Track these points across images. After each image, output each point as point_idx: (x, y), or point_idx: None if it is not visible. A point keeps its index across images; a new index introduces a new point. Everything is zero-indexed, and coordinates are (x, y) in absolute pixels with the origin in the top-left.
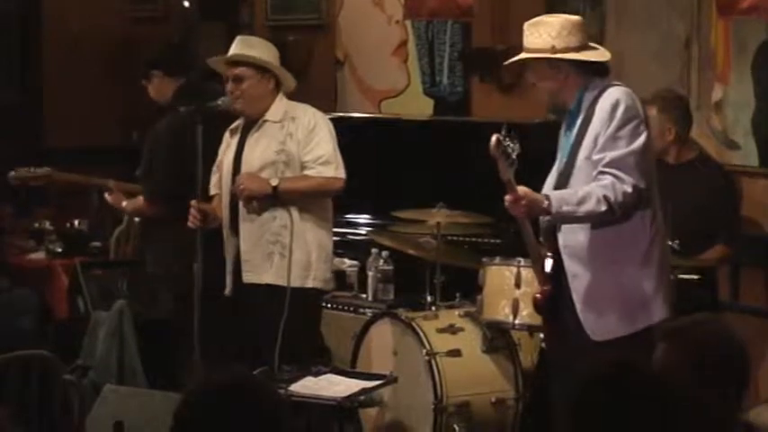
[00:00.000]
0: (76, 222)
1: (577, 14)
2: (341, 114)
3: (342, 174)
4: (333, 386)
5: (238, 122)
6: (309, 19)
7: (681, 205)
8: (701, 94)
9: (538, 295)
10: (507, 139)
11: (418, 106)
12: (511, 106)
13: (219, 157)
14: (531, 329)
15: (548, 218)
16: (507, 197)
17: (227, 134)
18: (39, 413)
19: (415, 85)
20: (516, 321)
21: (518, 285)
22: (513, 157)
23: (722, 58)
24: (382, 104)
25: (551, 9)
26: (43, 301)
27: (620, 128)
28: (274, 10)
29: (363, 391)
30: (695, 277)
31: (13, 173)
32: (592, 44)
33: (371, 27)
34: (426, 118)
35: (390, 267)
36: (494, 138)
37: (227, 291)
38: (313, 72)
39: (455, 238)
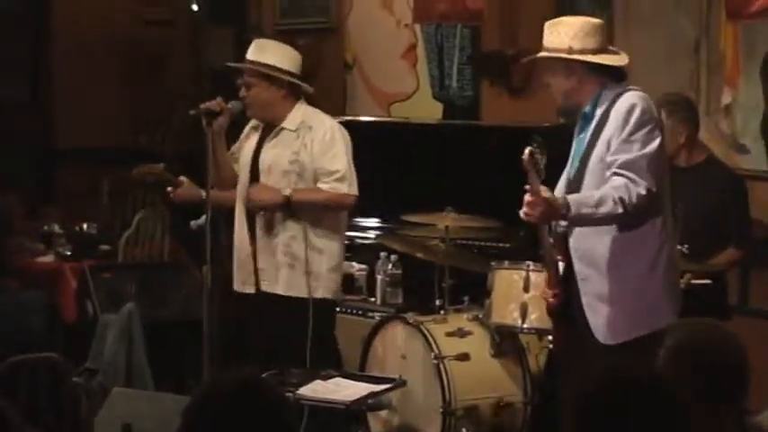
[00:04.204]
0: (85, 225)
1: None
2: (350, 118)
3: (354, 191)
4: (341, 390)
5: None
6: (318, 22)
7: (691, 208)
8: (710, 98)
9: (551, 299)
10: (538, 150)
11: (427, 110)
12: (520, 110)
13: (238, 144)
14: (539, 333)
15: (564, 224)
16: (526, 199)
17: (249, 125)
18: (47, 415)
19: (425, 89)
20: (525, 325)
21: (526, 289)
22: (542, 167)
23: (731, 62)
24: (391, 108)
25: (560, 12)
26: (52, 304)
27: (634, 131)
28: (283, 13)
29: (372, 394)
30: (705, 282)
31: (135, 171)
32: (611, 48)
33: (380, 30)
34: (435, 122)
35: (399, 271)
36: (527, 150)
37: (242, 288)
38: (322, 75)
39: (464, 241)
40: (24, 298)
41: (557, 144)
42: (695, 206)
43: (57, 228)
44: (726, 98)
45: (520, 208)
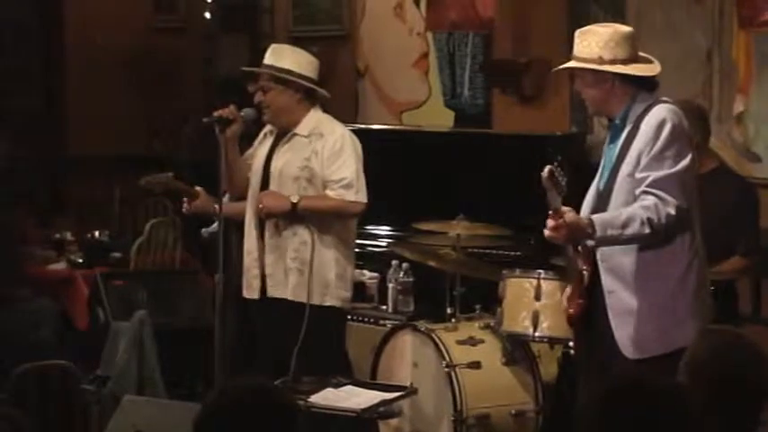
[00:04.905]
0: (97, 233)
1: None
2: (361, 125)
3: (362, 198)
4: (352, 397)
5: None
6: (331, 30)
7: (701, 216)
8: (722, 107)
9: (571, 310)
10: (559, 169)
11: (439, 118)
12: (532, 118)
13: (252, 151)
14: (551, 341)
15: (591, 243)
16: (549, 224)
17: (264, 130)
18: (58, 423)
19: (436, 97)
20: (536, 333)
21: (538, 297)
22: (563, 185)
23: (744, 71)
24: (403, 116)
25: (572, 21)
26: (64, 312)
27: (665, 148)
28: (296, 21)
29: (383, 402)
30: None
31: (143, 180)
32: (643, 55)
33: (392, 39)
34: (447, 130)
35: (410, 279)
36: (547, 169)
37: (247, 294)
38: (334, 83)
39: (475, 249)
40: (36, 306)
41: (568, 151)
42: (705, 214)
43: (69, 235)
44: (738, 106)
45: (531, 216)
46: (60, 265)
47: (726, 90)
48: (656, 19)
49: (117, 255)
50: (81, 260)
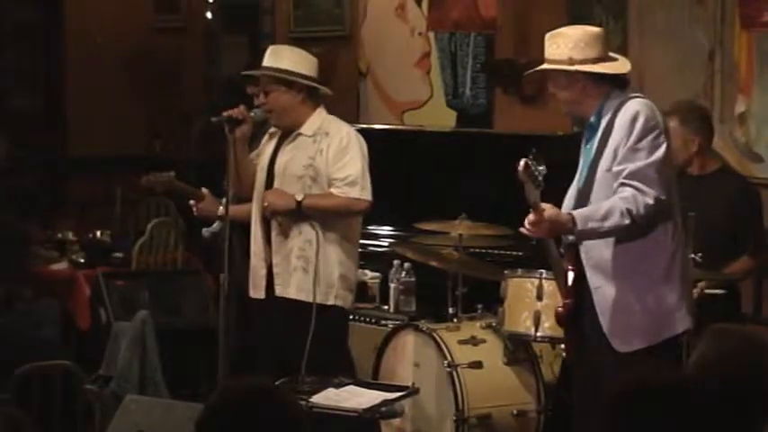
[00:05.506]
0: (99, 233)
1: (600, 27)
2: (363, 126)
3: (367, 196)
4: (354, 397)
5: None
6: (332, 30)
7: (704, 217)
8: (724, 107)
9: (559, 309)
10: (535, 162)
11: (441, 118)
12: (533, 118)
13: (257, 151)
14: (552, 341)
15: (572, 237)
16: (530, 218)
17: (267, 135)
18: (60, 423)
19: (438, 97)
20: (538, 333)
21: (540, 297)
22: (540, 179)
23: (745, 71)
24: (405, 116)
25: (574, 21)
26: (65, 312)
27: (639, 139)
28: (297, 22)
29: (385, 402)
30: (719, 292)
31: (144, 179)
32: (612, 55)
33: (394, 39)
34: (449, 130)
35: (412, 279)
36: (522, 162)
37: (253, 294)
38: (336, 83)
39: (477, 249)
40: (38, 306)
41: (570, 153)
42: (708, 215)
43: (70, 235)
44: (740, 107)
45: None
46: (62, 265)
47: (727, 90)
48: (658, 19)
49: (119, 255)
50: (83, 260)
